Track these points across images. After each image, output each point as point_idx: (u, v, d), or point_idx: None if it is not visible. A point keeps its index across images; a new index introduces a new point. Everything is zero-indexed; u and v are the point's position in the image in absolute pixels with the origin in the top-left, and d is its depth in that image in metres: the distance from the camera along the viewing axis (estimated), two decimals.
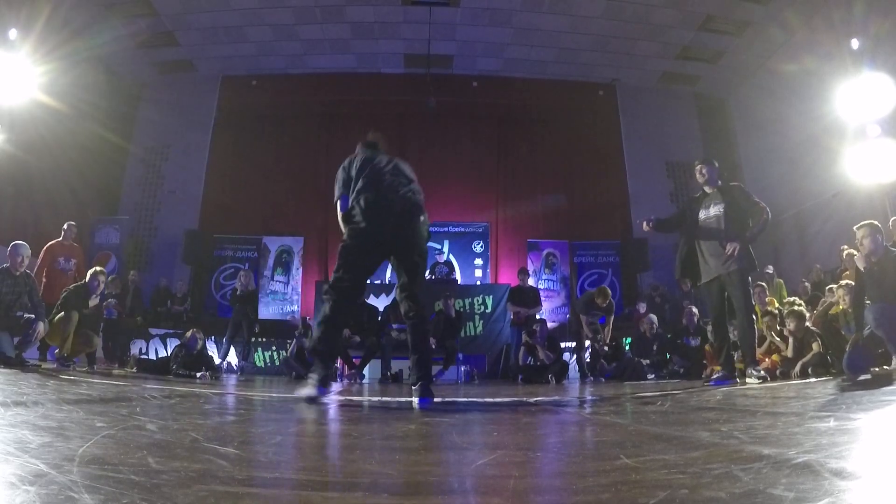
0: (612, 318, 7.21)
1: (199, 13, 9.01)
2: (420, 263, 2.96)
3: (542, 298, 8.26)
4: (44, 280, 6.20)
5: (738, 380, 4.24)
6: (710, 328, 4.61)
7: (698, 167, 4.46)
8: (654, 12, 8.81)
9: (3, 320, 4.89)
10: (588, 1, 8.67)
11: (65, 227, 6.63)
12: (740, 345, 4.30)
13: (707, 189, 4.42)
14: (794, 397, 2.66)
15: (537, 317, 7.29)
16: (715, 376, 4.28)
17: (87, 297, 5.64)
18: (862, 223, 4.35)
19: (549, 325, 7.36)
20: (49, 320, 5.23)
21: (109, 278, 6.90)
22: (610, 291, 7.24)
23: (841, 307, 5.07)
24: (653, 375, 6.67)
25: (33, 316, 5.02)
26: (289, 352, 7.12)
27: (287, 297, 9.86)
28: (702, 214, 4.37)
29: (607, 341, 7.08)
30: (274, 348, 8.17)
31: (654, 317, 7.44)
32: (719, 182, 4.41)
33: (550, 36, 9.59)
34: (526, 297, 7.43)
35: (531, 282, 8.60)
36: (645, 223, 4.48)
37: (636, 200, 10.47)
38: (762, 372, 4.21)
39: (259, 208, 10.43)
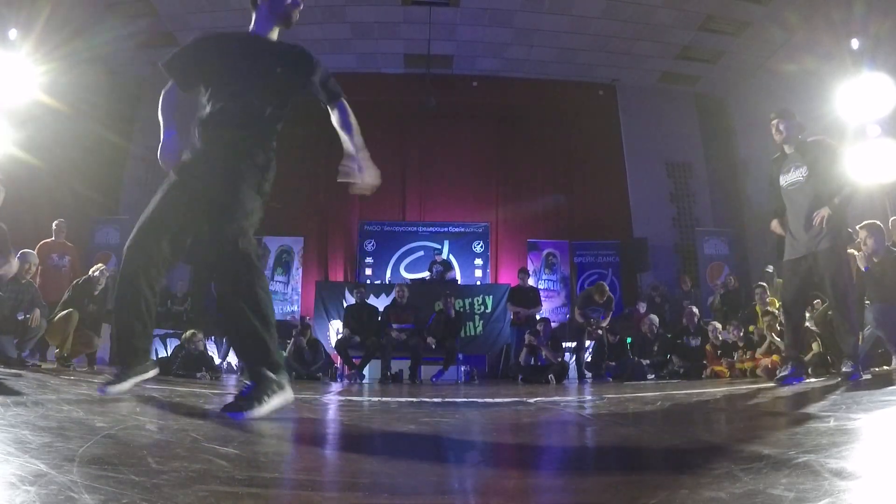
0: (610, 314, 7.23)
1: (199, 13, 9.00)
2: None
3: (542, 298, 8.26)
4: (38, 280, 6.20)
5: (806, 377, 3.75)
6: (780, 313, 3.78)
7: (774, 122, 3.68)
8: (654, 12, 8.80)
9: (3, 324, 4.90)
10: (588, 1, 8.67)
11: (54, 225, 6.65)
12: (838, 341, 3.55)
13: (786, 148, 3.71)
14: (794, 397, 2.66)
15: (538, 317, 7.29)
16: (783, 373, 3.60)
17: (92, 289, 5.66)
18: (864, 223, 4.36)
19: (551, 324, 7.36)
20: (50, 319, 5.23)
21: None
22: (607, 287, 7.26)
23: None
24: (653, 376, 6.68)
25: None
26: (287, 351, 7.10)
27: (287, 298, 9.85)
28: (783, 180, 3.70)
29: (602, 325, 7.07)
30: None
31: (655, 317, 7.43)
32: (799, 137, 3.67)
33: (550, 36, 9.57)
34: (526, 297, 7.42)
35: (531, 282, 8.60)
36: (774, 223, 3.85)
37: (636, 200, 10.45)
38: (854, 369, 3.37)
39: None
